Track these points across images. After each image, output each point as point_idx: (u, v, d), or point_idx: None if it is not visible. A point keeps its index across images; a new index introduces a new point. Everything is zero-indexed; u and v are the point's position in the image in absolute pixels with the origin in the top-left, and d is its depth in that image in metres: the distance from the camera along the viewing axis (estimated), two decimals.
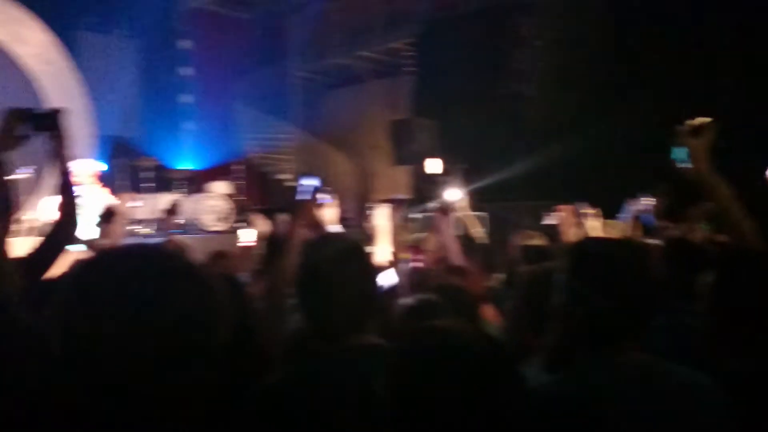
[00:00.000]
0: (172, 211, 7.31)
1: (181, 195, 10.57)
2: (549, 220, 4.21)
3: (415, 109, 10.85)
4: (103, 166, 9.65)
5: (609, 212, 4.49)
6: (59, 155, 2.42)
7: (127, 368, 0.91)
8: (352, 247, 1.77)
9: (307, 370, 1.66)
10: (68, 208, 2.41)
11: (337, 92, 13.38)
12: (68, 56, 11.00)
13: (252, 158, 12.58)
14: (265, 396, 1.63)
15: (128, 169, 10.37)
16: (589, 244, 1.84)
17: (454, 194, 5.34)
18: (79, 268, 0.99)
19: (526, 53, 9.53)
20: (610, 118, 7.50)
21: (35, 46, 10.72)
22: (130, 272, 0.96)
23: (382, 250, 3.40)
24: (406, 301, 2.49)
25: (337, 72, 13.28)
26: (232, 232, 10.26)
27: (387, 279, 2.93)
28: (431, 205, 6.95)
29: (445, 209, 4.16)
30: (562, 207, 4.06)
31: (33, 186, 8.41)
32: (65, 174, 2.44)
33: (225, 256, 4.37)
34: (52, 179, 2.53)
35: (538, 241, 3.92)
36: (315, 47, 13.16)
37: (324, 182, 3.89)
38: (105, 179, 9.07)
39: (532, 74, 9.43)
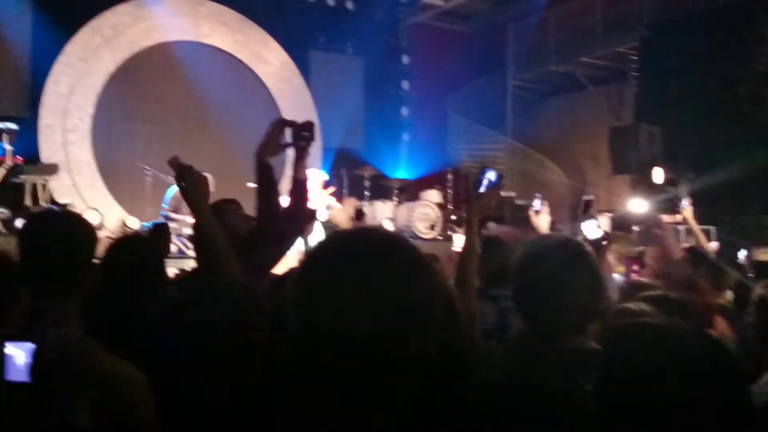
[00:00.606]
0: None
1: (396, 203, 11.01)
2: None
3: (638, 115, 10.26)
4: (326, 176, 10.38)
5: None
6: (301, 163, 2.58)
7: (353, 350, 0.92)
8: (578, 250, 1.71)
9: (521, 371, 1.63)
10: (300, 212, 2.59)
11: (553, 100, 13.09)
12: (301, 74, 11.99)
13: (463, 168, 12.73)
14: (478, 392, 1.63)
15: (349, 178, 11.01)
16: None
17: (680, 205, 4.96)
18: (315, 252, 1.00)
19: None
20: None
21: (274, 66, 11.83)
22: (361, 255, 0.96)
23: None
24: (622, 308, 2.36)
25: (554, 80, 13.01)
26: (443, 239, 10.48)
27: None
28: (653, 216, 6.53)
29: (663, 222, 3.88)
30: None
31: None
32: (304, 180, 2.62)
33: (436, 260, 4.47)
34: (287, 184, 2.69)
35: None
36: (532, 56, 13.01)
37: (539, 192, 3.84)
38: (329, 187, 9.75)
39: None
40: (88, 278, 1.69)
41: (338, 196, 10.12)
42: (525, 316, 1.70)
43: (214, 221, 2.23)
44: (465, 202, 2.68)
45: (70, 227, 1.71)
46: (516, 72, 13.41)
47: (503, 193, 12.64)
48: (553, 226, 4.61)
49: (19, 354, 1.26)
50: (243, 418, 1.73)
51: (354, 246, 0.99)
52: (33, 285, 1.65)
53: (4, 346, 1.26)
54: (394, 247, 1.00)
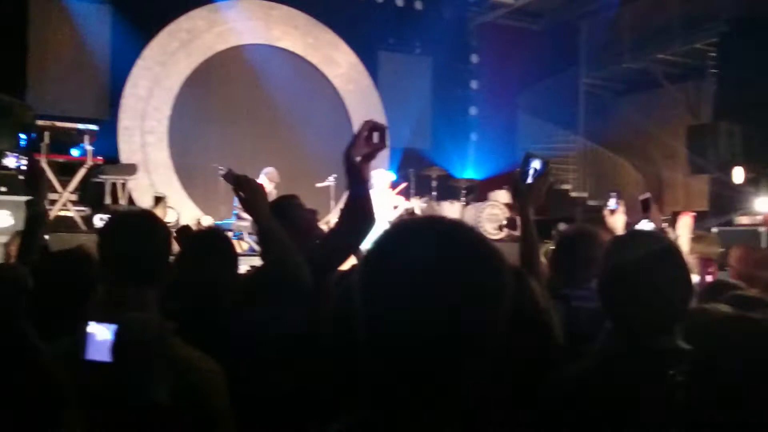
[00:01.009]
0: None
1: (463, 203, 10.93)
2: None
3: (717, 113, 9.88)
4: (393, 176, 10.40)
5: None
6: (367, 165, 2.58)
7: (421, 345, 0.91)
8: (666, 248, 1.65)
9: (607, 369, 1.59)
10: (363, 212, 2.58)
11: (628, 98, 12.73)
12: (369, 75, 12.06)
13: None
14: (560, 389, 1.59)
15: (416, 179, 11.00)
16: None
17: (763, 205, 4.74)
18: (379, 243, 1.00)
19: None
20: None
21: (343, 67, 11.95)
22: (424, 246, 0.96)
23: None
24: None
25: (629, 77, 12.64)
26: (512, 240, 10.33)
27: None
28: (736, 216, 6.27)
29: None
30: None
31: (333, 193, 9.36)
32: (366, 181, 2.63)
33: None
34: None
35: None
36: (606, 53, 12.69)
37: (616, 192, 3.74)
38: (397, 187, 9.76)
39: None
40: (165, 271, 1.79)
41: (406, 195, 10.14)
42: (611, 313, 1.65)
43: (276, 225, 2.28)
44: (514, 196, 2.62)
45: (148, 225, 1.82)
46: (589, 70, 13.12)
47: (574, 194, 12.40)
48: (628, 227, 4.47)
49: (102, 334, 1.30)
50: (308, 413, 1.74)
51: (418, 235, 0.98)
52: (115, 277, 1.74)
53: (87, 326, 1.31)
54: (459, 233, 0.98)
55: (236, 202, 8.85)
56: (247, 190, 2.27)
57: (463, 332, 0.92)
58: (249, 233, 8.57)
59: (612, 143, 12.43)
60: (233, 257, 2.48)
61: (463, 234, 0.98)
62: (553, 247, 3.14)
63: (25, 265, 2.57)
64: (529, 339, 1.61)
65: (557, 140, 12.61)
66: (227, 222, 8.86)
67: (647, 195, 4.20)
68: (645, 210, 3.96)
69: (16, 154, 5.66)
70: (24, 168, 5.41)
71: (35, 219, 2.79)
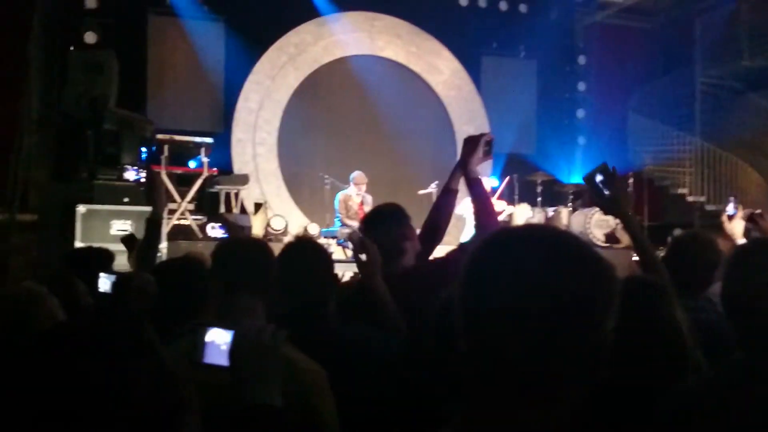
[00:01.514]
0: None
1: (570, 209, 10.64)
2: None
3: None
4: (495, 182, 10.29)
5: None
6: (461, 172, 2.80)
7: (512, 349, 0.92)
8: None
9: (732, 383, 1.52)
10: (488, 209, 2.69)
11: (748, 97, 11.98)
12: (472, 80, 12.01)
13: (647, 171, 12.01)
14: (684, 400, 1.54)
15: (521, 184, 10.81)
16: None
17: None
18: (478, 249, 1.01)
19: None
20: None
21: (445, 74, 11.96)
22: (524, 252, 0.96)
23: None
24: None
25: (749, 75, 11.91)
26: (623, 247, 9.96)
27: None
28: None
29: None
30: None
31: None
32: (455, 191, 2.87)
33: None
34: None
35: None
36: (722, 50, 12.01)
37: (734, 197, 3.55)
38: (501, 193, 9.66)
39: None
40: (272, 283, 1.92)
41: (509, 200, 10.03)
42: (736, 325, 1.58)
43: (386, 294, 2.43)
44: (603, 209, 2.58)
45: (257, 249, 2.03)
46: (705, 68, 12.45)
47: (691, 199, 11.79)
48: (747, 233, 4.22)
49: (220, 339, 1.38)
50: (411, 417, 1.76)
51: (518, 245, 0.98)
52: (227, 287, 1.86)
53: (206, 332, 1.40)
54: (563, 243, 0.98)
55: (337, 210, 9.08)
56: (369, 254, 2.45)
57: (566, 345, 0.91)
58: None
59: (731, 144, 11.74)
60: (330, 268, 2.51)
61: (567, 244, 0.97)
62: (665, 254, 3.01)
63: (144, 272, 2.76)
64: (666, 352, 1.60)
65: (672, 142, 12.05)
66: (332, 230, 9.06)
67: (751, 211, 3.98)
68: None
69: (137, 167, 6.04)
70: (143, 180, 5.76)
71: (153, 229, 2.97)
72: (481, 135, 2.79)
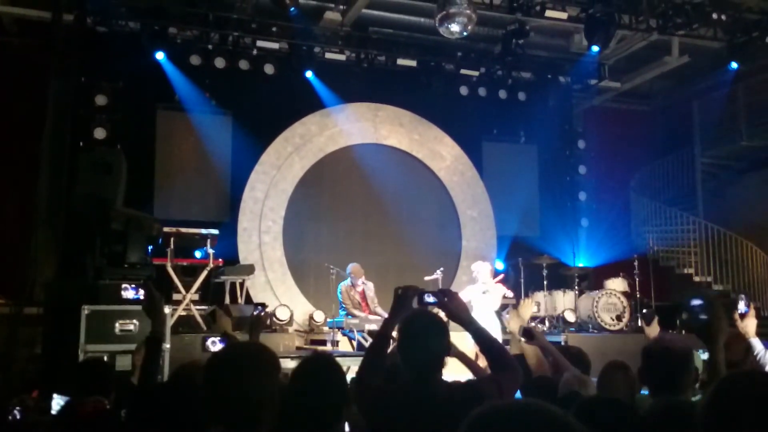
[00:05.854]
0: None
1: (577, 292, 10.59)
2: None
3: None
4: (500, 265, 10.29)
5: None
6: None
7: None
8: None
9: None
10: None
11: (750, 177, 12.09)
12: (474, 164, 12.19)
13: (652, 253, 11.99)
14: None
15: (526, 268, 10.80)
16: None
17: None
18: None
19: None
20: None
21: (448, 160, 12.17)
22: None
23: None
24: None
25: (749, 155, 12.06)
26: (631, 331, 9.85)
27: None
28: None
29: None
30: None
31: (441, 286, 9.37)
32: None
33: (625, 368, 3.48)
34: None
35: None
36: (721, 131, 12.22)
37: (743, 290, 3.51)
38: (503, 278, 9.65)
39: None
40: (274, 409, 1.96)
41: (514, 287, 9.96)
42: None
43: (481, 327, 2.72)
44: (696, 333, 2.61)
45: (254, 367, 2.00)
46: (705, 149, 12.63)
47: (698, 279, 11.71)
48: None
49: None
50: None
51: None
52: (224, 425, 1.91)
53: None
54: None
55: (341, 301, 9.13)
56: (454, 303, 2.71)
57: None
58: (360, 330, 8.71)
59: (735, 224, 11.77)
60: (343, 382, 2.50)
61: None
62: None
63: (145, 389, 2.79)
64: None
65: (675, 223, 12.09)
66: (338, 320, 9.06)
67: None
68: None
69: (135, 286, 6.10)
70: (141, 299, 5.81)
71: (154, 348, 3.00)
72: (407, 288, 2.80)
